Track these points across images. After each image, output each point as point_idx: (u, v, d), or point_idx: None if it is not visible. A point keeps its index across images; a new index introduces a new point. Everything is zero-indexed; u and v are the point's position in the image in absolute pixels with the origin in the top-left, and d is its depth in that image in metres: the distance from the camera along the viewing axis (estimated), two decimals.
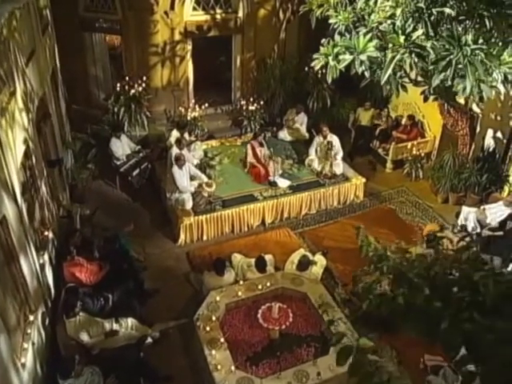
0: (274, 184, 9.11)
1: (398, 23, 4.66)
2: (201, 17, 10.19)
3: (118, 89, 9.83)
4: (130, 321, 6.39)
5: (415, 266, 2.69)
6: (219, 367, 5.63)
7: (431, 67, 4.71)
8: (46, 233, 6.82)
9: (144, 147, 9.90)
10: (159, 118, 10.80)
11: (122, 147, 9.41)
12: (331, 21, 6.67)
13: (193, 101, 10.78)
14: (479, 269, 2.43)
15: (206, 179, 8.66)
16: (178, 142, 8.87)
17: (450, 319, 2.19)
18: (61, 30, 10.05)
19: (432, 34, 4.58)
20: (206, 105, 10.67)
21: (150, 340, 6.34)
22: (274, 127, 10.97)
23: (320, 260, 7.74)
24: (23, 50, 6.48)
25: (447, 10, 4.43)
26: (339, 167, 9.53)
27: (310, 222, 9.15)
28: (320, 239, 8.59)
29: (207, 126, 10.92)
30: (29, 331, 5.40)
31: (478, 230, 8.23)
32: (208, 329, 6.11)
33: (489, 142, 9.08)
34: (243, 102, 10.89)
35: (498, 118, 8.84)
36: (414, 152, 9.98)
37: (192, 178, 8.63)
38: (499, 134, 8.93)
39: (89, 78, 11.11)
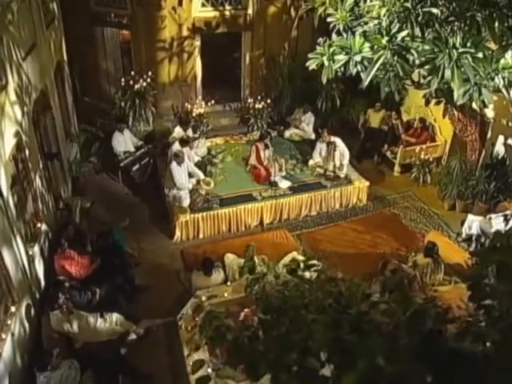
0: (274, 184, 8.98)
1: (384, 23, 4.47)
2: (209, 13, 10.11)
3: (123, 83, 9.85)
4: (115, 316, 6.39)
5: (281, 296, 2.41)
6: (195, 368, 5.57)
7: (417, 70, 4.50)
8: (39, 225, 6.90)
9: (148, 143, 9.92)
10: (166, 114, 10.81)
11: (124, 142, 9.44)
12: (329, 19, 6.51)
13: (199, 97, 10.73)
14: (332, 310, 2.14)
15: (203, 177, 8.61)
16: (183, 141, 8.82)
17: (269, 365, 1.95)
18: (72, 23, 10.16)
19: (419, 35, 4.37)
20: (213, 101, 10.60)
21: (133, 336, 6.34)
22: (282, 126, 10.83)
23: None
24: (21, 43, 6.53)
25: (434, 11, 4.21)
26: (343, 169, 9.33)
27: (309, 224, 8.99)
28: (317, 242, 8.43)
29: (215, 123, 10.86)
30: (9, 322, 5.46)
31: (482, 240, 7.92)
32: (189, 329, 6.06)
33: (499, 148, 8.72)
34: (250, 100, 10.77)
35: (510, 123, 8.47)
36: (423, 156, 9.66)
37: (190, 176, 8.60)
38: (510, 141, 8.56)
39: (100, 71, 11.21)
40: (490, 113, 8.58)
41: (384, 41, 4.29)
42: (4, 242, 5.46)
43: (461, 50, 4.21)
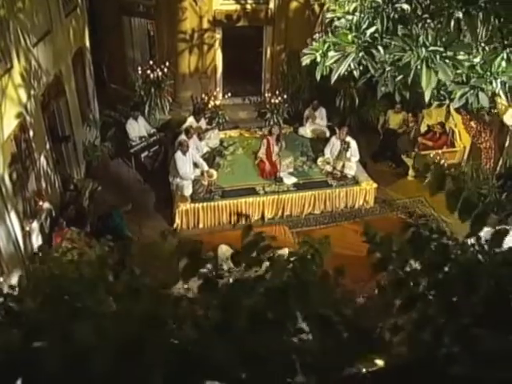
0: (279, 180, 8.95)
1: (354, 19, 4.36)
2: (230, 6, 10.17)
3: (140, 72, 10.11)
4: None
5: None
6: None
7: (388, 68, 4.36)
8: (41, 203, 7.25)
9: (163, 131, 10.13)
10: (185, 104, 11.00)
11: (138, 129, 9.69)
12: (328, 15, 6.41)
13: (218, 89, 10.84)
14: None
15: (206, 168, 8.71)
16: (187, 131, 8.97)
17: None
18: (100, 12, 10.57)
19: (390, 31, 4.22)
20: (229, 94, 10.68)
21: None
22: (297, 122, 10.75)
23: None
24: (33, 30, 6.87)
25: (405, 7, 4.06)
26: (352, 169, 9.16)
27: (311, 223, 8.92)
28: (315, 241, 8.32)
29: (233, 116, 10.95)
30: None
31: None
32: None
33: None
34: (268, 95, 10.77)
35: None
36: (437, 161, 9.28)
37: (196, 166, 8.73)
38: None
39: (126, 59, 11.53)
40: (508, 120, 8.13)
41: (350, 37, 4.19)
42: None
43: (430, 48, 4.04)
